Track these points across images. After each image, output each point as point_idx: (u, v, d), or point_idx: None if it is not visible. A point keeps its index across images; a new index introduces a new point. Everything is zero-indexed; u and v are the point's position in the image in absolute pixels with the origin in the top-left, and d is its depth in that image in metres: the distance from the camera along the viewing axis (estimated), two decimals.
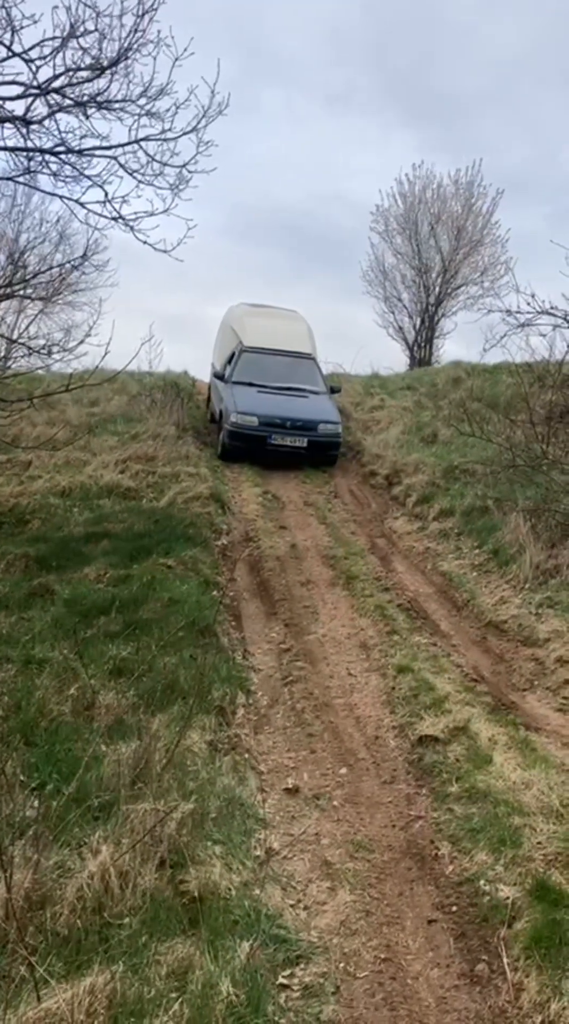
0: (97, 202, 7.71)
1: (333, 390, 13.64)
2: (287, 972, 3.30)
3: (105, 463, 11.03)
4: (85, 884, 3.42)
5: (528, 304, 8.34)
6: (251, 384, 12.59)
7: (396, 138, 39.19)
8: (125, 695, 5.17)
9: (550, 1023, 3.02)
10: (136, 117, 7.54)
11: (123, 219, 7.62)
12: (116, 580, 7.50)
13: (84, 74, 7.08)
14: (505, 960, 3.35)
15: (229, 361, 13.52)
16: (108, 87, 7.41)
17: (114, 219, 7.63)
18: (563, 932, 3.34)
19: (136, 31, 6.96)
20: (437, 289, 23.86)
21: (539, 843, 3.89)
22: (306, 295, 37.89)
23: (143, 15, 6.98)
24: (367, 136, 42.92)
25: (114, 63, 7.05)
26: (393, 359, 26.65)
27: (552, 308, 8.20)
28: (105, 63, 7.05)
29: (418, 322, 24.40)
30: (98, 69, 7.04)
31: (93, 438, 12.28)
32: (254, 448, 11.84)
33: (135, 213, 7.68)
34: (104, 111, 7.60)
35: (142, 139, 7.52)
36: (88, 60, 7.01)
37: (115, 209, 7.64)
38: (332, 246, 38.35)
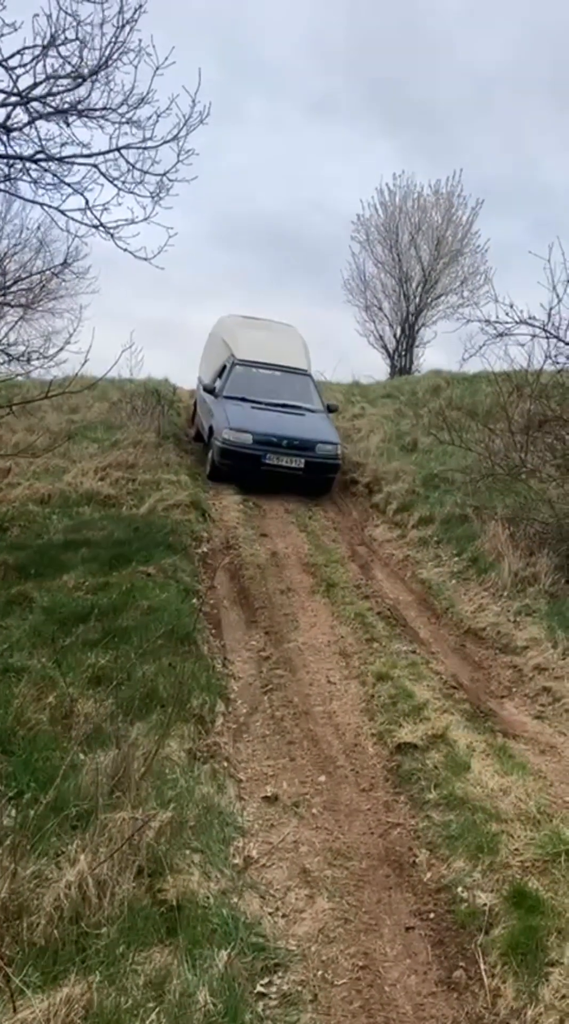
0: (78, 209, 7.70)
1: (330, 409, 12.83)
2: (265, 980, 3.30)
3: (85, 470, 10.99)
4: (62, 894, 3.39)
5: (506, 314, 8.39)
6: (244, 400, 11.84)
7: (378, 146, 39.50)
8: (104, 703, 5.15)
9: None
10: (117, 125, 7.54)
11: (104, 227, 7.62)
12: (95, 588, 7.47)
13: (65, 82, 7.07)
14: (482, 966, 3.36)
15: (220, 374, 12.80)
16: (89, 95, 7.41)
17: (94, 227, 7.63)
18: (540, 938, 3.36)
19: (116, 41, 6.96)
20: (417, 299, 24.06)
21: (516, 850, 3.91)
22: (288, 302, 37.97)
23: (123, 25, 6.99)
24: (350, 144, 43.24)
25: (95, 72, 7.06)
26: (374, 368, 26.81)
27: (530, 318, 8.26)
28: (86, 71, 7.05)
29: (398, 331, 24.58)
30: (79, 77, 7.04)
31: (73, 445, 12.25)
32: (247, 468, 11.07)
33: (116, 221, 7.69)
34: (85, 119, 7.59)
35: (123, 147, 7.52)
36: (69, 68, 7.00)
37: (95, 217, 7.65)
38: (314, 254, 38.53)
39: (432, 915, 3.74)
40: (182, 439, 13.91)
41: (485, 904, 3.64)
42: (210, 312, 39.43)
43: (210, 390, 12.46)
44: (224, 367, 12.73)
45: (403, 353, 24.43)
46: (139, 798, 4.09)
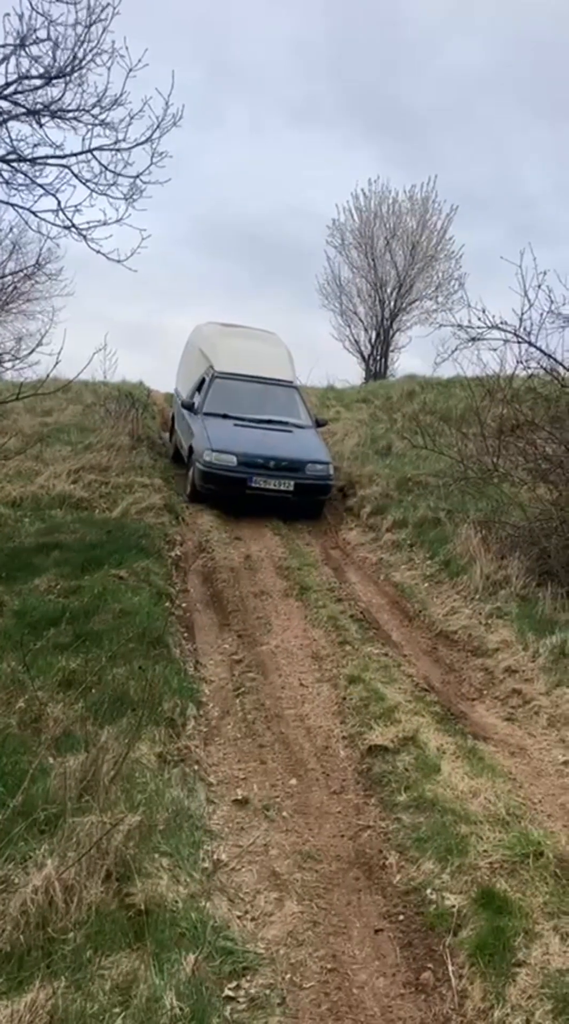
0: (50, 211, 7.68)
1: (319, 424, 11.97)
2: (233, 984, 3.29)
3: (57, 473, 10.92)
4: (29, 899, 3.36)
5: (478, 319, 8.45)
6: (226, 416, 11.01)
7: (359, 152, 39.67)
8: (74, 707, 5.11)
9: None
10: (90, 127, 7.54)
11: (76, 228, 7.60)
12: (67, 591, 7.42)
13: (37, 82, 7.04)
14: (450, 968, 3.37)
15: (198, 388, 11.94)
16: (62, 96, 7.40)
17: (67, 228, 7.61)
18: (507, 939, 3.37)
19: (84, 41, 6.94)
20: (392, 303, 24.16)
21: (485, 851, 3.93)
22: (266, 306, 38.05)
23: (91, 25, 6.97)
24: (331, 149, 43.36)
25: (63, 72, 7.03)
26: (349, 372, 26.87)
27: (502, 323, 8.32)
28: (58, 72, 7.02)
29: (373, 336, 24.66)
30: (50, 77, 7.01)
31: (45, 448, 12.17)
32: (232, 492, 10.21)
33: (88, 223, 7.66)
34: (58, 120, 7.58)
35: (95, 149, 7.52)
36: (40, 69, 6.97)
37: (68, 218, 7.62)
38: (293, 258, 38.65)
39: (401, 917, 3.75)
40: (156, 442, 13.86)
41: (454, 906, 3.65)
42: (188, 316, 39.35)
43: (189, 406, 11.63)
44: (203, 380, 11.88)
45: (378, 358, 24.53)
46: (108, 802, 4.07)
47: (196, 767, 4.90)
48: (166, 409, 17.43)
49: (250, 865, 4.07)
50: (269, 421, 11.19)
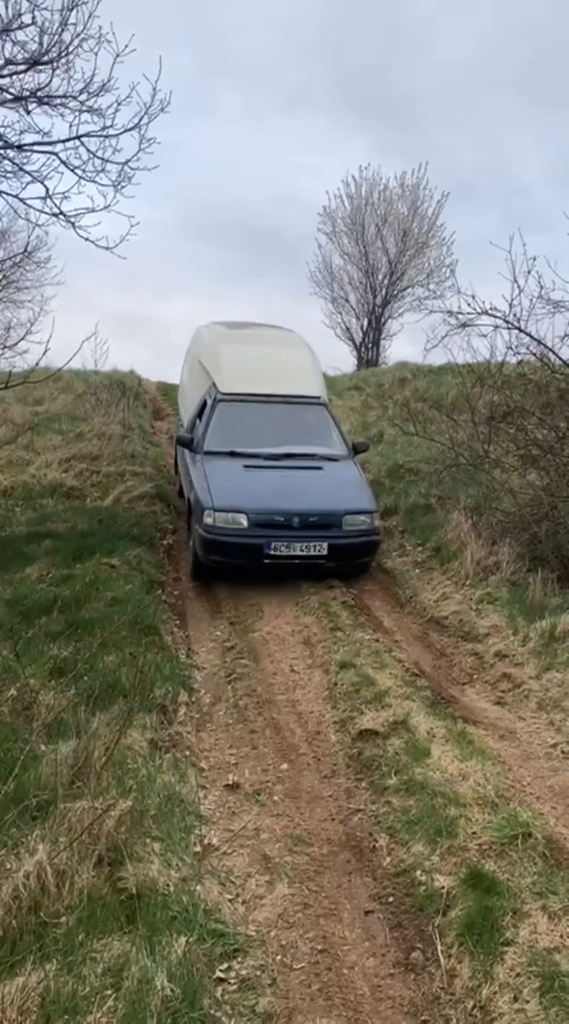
0: (37, 198, 7.64)
1: (358, 449, 9.04)
2: (224, 966, 3.32)
3: (48, 462, 10.92)
4: (21, 884, 3.39)
5: (469, 305, 8.44)
6: (233, 454, 8.34)
7: (352, 140, 39.40)
8: (65, 695, 5.13)
9: (481, 1007, 3.08)
10: (77, 113, 7.49)
11: (64, 215, 7.56)
12: (59, 580, 7.44)
13: (23, 67, 6.99)
14: (439, 947, 3.40)
15: (199, 415, 9.20)
16: (49, 82, 7.35)
17: (55, 215, 7.57)
18: (495, 919, 3.41)
19: (66, 24, 6.89)
20: (384, 291, 24.11)
21: (474, 833, 3.96)
22: (260, 294, 37.91)
23: (74, 8, 6.91)
24: (324, 137, 43.13)
25: (48, 55, 6.97)
26: (341, 360, 26.86)
27: (491, 309, 8.32)
28: (45, 57, 6.98)
29: (365, 323, 24.62)
30: (35, 62, 6.97)
31: (37, 437, 12.15)
32: (245, 562, 7.68)
33: (76, 210, 7.63)
34: (45, 106, 7.53)
35: (83, 135, 7.47)
36: (26, 55, 6.93)
37: (56, 205, 7.59)
38: (287, 246, 38.46)
39: (391, 899, 3.78)
40: (147, 431, 13.84)
41: (443, 887, 3.68)
42: (180, 305, 39.30)
43: (186, 442, 8.97)
44: (204, 404, 9.15)
45: (370, 345, 24.51)
46: (100, 788, 4.09)
47: (187, 753, 4.93)
48: (158, 398, 17.41)
49: (241, 849, 4.10)
50: (291, 456, 8.46)
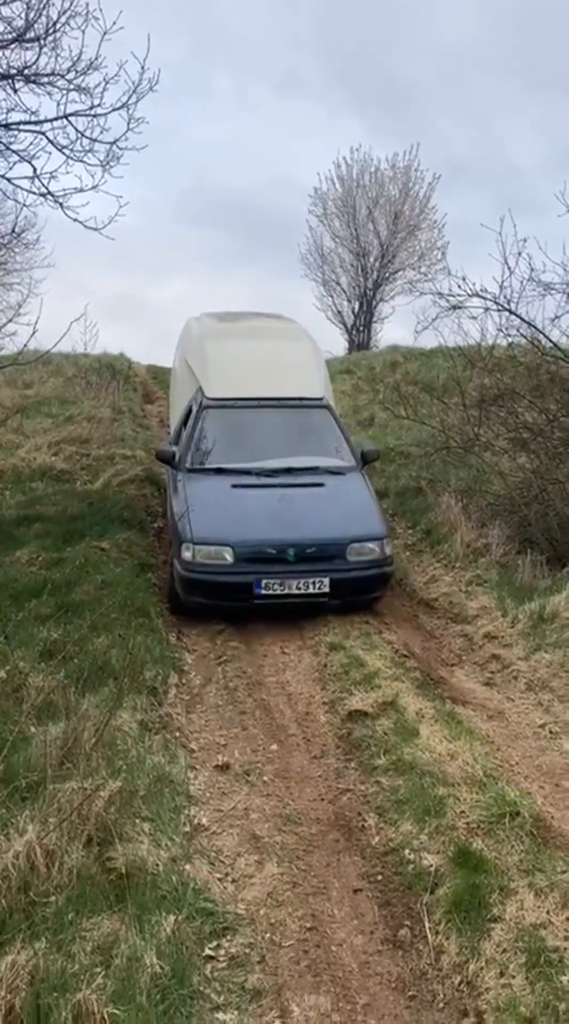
0: (25, 177, 7.59)
1: (367, 459, 7.84)
2: (213, 944, 3.34)
3: (38, 445, 10.89)
4: (10, 863, 3.40)
5: (459, 287, 8.44)
6: (220, 472, 7.29)
7: (346, 123, 39.14)
8: (55, 677, 5.13)
9: (468, 983, 3.11)
10: (65, 92, 7.43)
11: (52, 195, 7.52)
12: (48, 563, 7.43)
13: (8, 40, 6.92)
14: (427, 925, 3.43)
15: (184, 423, 8.12)
16: (36, 60, 7.28)
17: (42, 195, 7.52)
18: (483, 896, 3.43)
19: (49, 2, 6.81)
20: (375, 273, 24.05)
21: (462, 812, 3.98)
22: (253, 276, 37.76)
23: None
24: (315, 119, 42.82)
25: (27, 32, 6.89)
26: (332, 343, 26.77)
27: (482, 291, 8.31)
28: (30, 34, 6.90)
29: (356, 306, 24.56)
30: (20, 37, 6.89)
31: (26, 420, 12.11)
32: (231, 604, 6.66)
33: (64, 190, 7.58)
34: (32, 85, 7.46)
35: (71, 114, 7.41)
36: (13, 34, 6.85)
37: (44, 185, 7.53)
38: (279, 228, 38.29)
39: (379, 877, 3.80)
40: (137, 414, 13.80)
41: (431, 865, 3.70)
42: (172, 288, 39.12)
43: (167, 458, 7.70)
44: (189, 411, 8.06)
45: (361, 328, 24.45)
46: (90, 769, 4.10)
47: (178, 734, 4.94)
48: (148, 381, 17.35)
49: (231, 829, 4.12)
50: (288, 471, 7.32)
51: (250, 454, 7.46)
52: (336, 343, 24.81)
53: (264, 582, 6.46)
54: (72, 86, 7.39)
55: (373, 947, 3.41)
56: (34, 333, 6.05)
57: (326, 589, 6.52)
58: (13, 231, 9.68)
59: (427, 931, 3.40)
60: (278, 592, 6.48)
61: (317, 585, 6.51)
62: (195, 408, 7.89)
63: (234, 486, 7.09)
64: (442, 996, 3.10)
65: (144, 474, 10.08)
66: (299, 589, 6.49)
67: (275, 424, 7.81)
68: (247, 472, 7.26)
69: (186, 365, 8.82)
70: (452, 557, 7.74)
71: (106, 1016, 2.65)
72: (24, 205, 9.60)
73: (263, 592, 6.47)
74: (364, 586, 6.72)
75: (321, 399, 8.08)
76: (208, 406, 7.80)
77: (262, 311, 10.29)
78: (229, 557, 6.55)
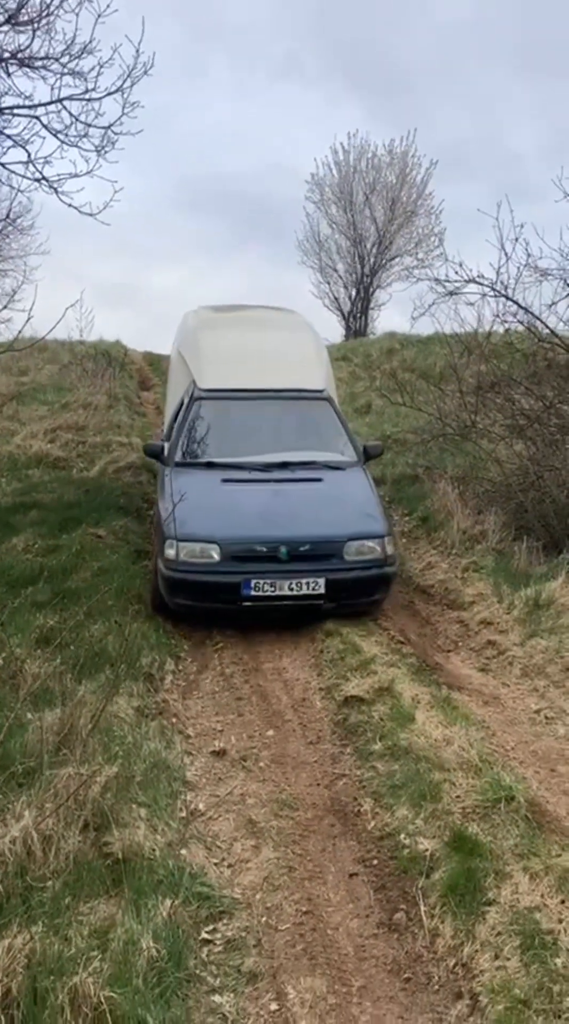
0: (19, 163, 7.54)
1: (370, 454, 7.46)
2: (210, 927, 3.35)
3: (34, 433, 10.88)
4: (7, 848, 3.41)
5: (456, 273, 8.41)
6: (210, 466, 6.92)
7: (343, 109, 38.82)
8: (51, 663, 5.14)
9: (463, 965, 3.12)
10: (59, 76, 7.37)
11: (46, 180, 7.46)
12: (45, 550, 7.44)
13: (3, 29, 6.86)
14: (422, 908, 3.44)
15: (176, 419, 7.76)
16: (30, 43, 7.22)
17: (37, 180, 7.47)
18: (478, 880, 3.44)
19: None
20: (372, 260, 23.98)
21: (458, 796, 4.00)
22: (250, 263, 37.61)
23: None
24: (313, 106, 42.52)
25: (19, 12, 6.82)
26: (329, 330, 26.71)
27: (479, 277, 8.28)
28: (24, 16, 6.85)
29: (353, 293, 24.49)
30: (13, 19, 6.83)
31: (22, 407, 12.08)
32: (217, 606, 6.26)
33: (58, 175, 7.53)
34: (26, 69, 7.41)
35: (65, 98, 7.36)
36: (5, 16, 6.79)
37: (38, 170, 7.48)
38: (276, 215, 38.09)
39: (375, 861, 3.82)
40: (133, 401, 13.77)
41: (426, 849, 3.72)
42: (169, 275, 38.98)
43: (155, 452, 7.40)
44: (181, 405, 7.76)
45: (358, 315, 24.40)
46: (86, 755, 4.11)
47: (174, 720, 4.95)
48: (144, 368, 17.31)
49: (227, 814, 4.13)
50: (284, 466, 6.94)
51: (243, 448, 7.08)
52: (333, 330, 24.78)
53: (253, 582, 6.05)
54: (66, 70, 7.34)
55: (369, 931, 3.43)
56: (29, 319, 6.04)
57: (321, 590, 6.11)
58: (7, 217, 9.62)
59: (422, 915, 3.41)
60: (269, 593, 6.07)
61: (311, 586, 6.10)
62: (186, 400, 7.58)
63: (225, 481, 6.69)
64: (437, 978, 3.12)
65: (140, 461, 10.06)
66: (291, 590, 6.08)
67: (271, 417, 7.45)
68: (239, 467, 6.86)
69: (181, 359, 8.47)
70: (448, 544, 7.74)
71: (102, 999, 2.66)
72: (19, 191, 9.55)
73: (252, 593, 6.06)
74: (362, 588, 6.31)
75: (321, 391, 7.70)
76: (199, 397, 7.45)
77: (264, 304, 9.83)
78: (216, 555, 6.15)
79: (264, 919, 3.44)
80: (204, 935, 3.31)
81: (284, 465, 6.93)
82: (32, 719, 4.42)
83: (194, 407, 7.40)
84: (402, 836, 3.87)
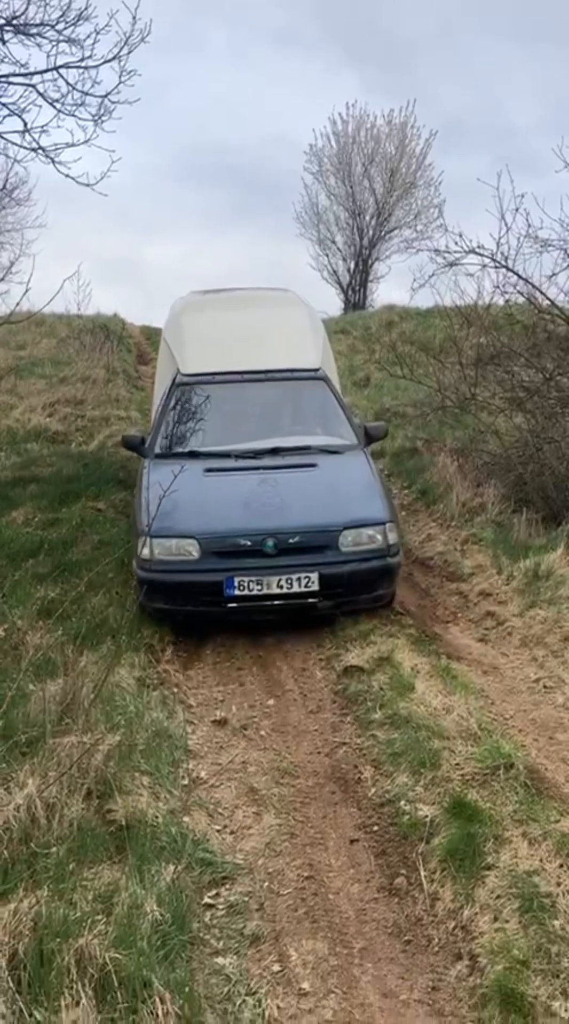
0: (15, 132, 7.47)
1: (372, 436, 6.88)
2: (213, 892, 3.40)
3: (32, 406, 10.86)
4: (11, 816, 3.44)
5: (456, 243, 8.35)
6: (193, 455, 6.33)
7: (340, 79, 38.29)
8: (53, 634, 5.17)
9: (463, 927, 3.17)
10: (54, 43, 7.28)
11: (43, 150, 7.40)
12: (45, 524, 7.45)
13: None
14: (422, 873, 3.49)
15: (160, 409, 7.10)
16: (25, 9, 7.13)
17: (33, 150, 7.40)
18: (477, 845, 3.48)
19: None
20: (371, 232, 23.77)
21: (457, 764, 4.03)
22: (248, 235, 37.29)
23: None
24: (311, 76, 41.92)
25: None
26: (328, 303, 26.54)
27: (479, 247, 8.23)
28: None
29: (352, 265, 24.31)
30: None
31: (20, 381, 12.05)
32: (199, 608, 5.66)
33: (55, 145, 7.46)
34: (21, 36, 7.31)
35: (61, 66, 7.28)
36: None
37: (35, 139, 7.41)
38: (275, 187, 37.67)
39: (376, 828, 3.86)
40: (131, 375, 13.72)
41: (426, 815, 3.76)
42: (167, 249, 38.67)
43: (134, 444, 6.88)
44: (165, 393, 7.15)
45: (357, 288, 24.23)
46: (88, 724, 4.14)
47: (175, 690, 4.98)
48: (142, 342, 17.23)
49: (229, 782, 4.17)
50: (275, 453, 6.37)
51: (230, 436, 6.57)
52: (332, 303, 24.62)
53: (237, 580, 5.46)
54: (62, 37, 7.26)
55: (369, 895, 3.47)
56: (27, 291, 6.01)
57: (315, 587, 5.53)
58: (4, 188, 9.52)
59: (422, 879, 3.45)
60: (256, 593, 5.48)
61: (303, 582, 5.51)
62: (168, 387, 7.04)
63: (207, 471, 6.08)
64: (437, 940, 3.16)
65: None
66: (281, 588, 5.50)
67: (261, 400, 6.92)
68: (225, 456, 6.31)
69: (166, 348, 7.84)
70: (447, 516, 7.76)
71: (108, 960, 2.70)
72: (15, 160, 9.45)
73: (236, 593, 5.47)
74: (362, 582, 5.70)
75: (317, 370, 7.10)
76: (182, 383, 6.92)
77: (260, 286, 9.22)
78: (194, 552, 5.58)
79: (266, 884, 3.49)
80: (207, 900, 3.36)
81: (275, 451, 6.36)
82: (34, 689, 4.45)
83: (176, 394, 6.91)
84: (402, 803, 3.91)
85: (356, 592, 5.71)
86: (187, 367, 7.02)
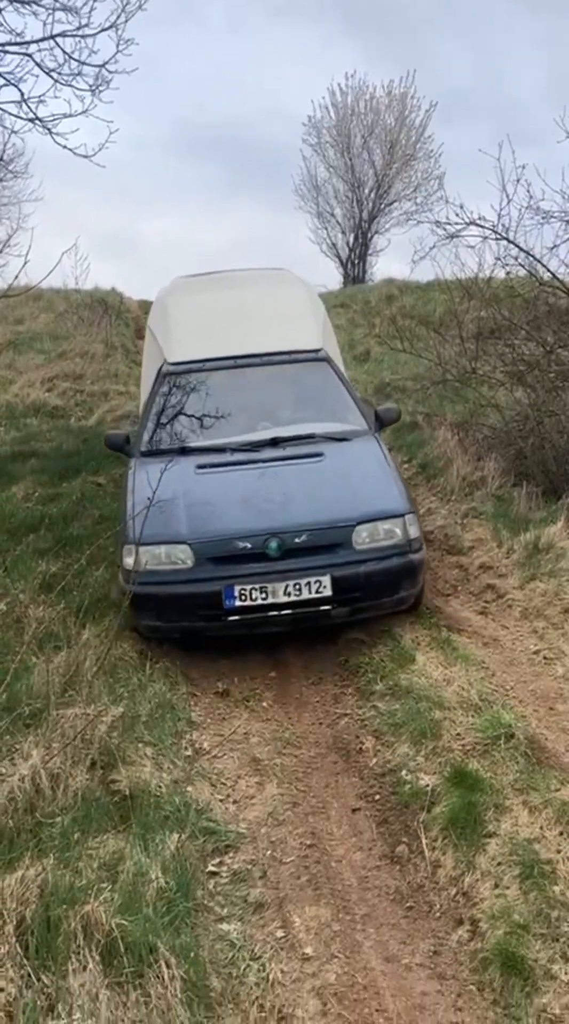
0: (11, 102, 7.38)
1: (383, 420, 6.20)
2: (216, 861, 3.44)
3: (31, 381, 10.82)
4: (16, 786, 3.48)
5: (457, 215, 8.28)
6: (183, 452, 5.77)
7: (340, 49, 37.80)
8: (55, 608, 5.18)
9: (464, 894, 3.21)
10: (50, 11, 7.18)
11: (40, 120, 7.32)
12: (45, 499, 7.46)
13: None
14: (424, 841, 3.53)
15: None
16: None
17: (30, 120, 7.32)
18: (478, 813, 3.52)
19: None
20: (370, 204, 23.58)
21: (458, 734, 4.07)
22: (247, 208, 36.96)
23: None
24: (310, 46, 41.31)
25: None
26: (327, 276, 26.36)
27: (480, 219, 8.16)
28: None
29: (351, 239, 24.15)
30: None
31: (18, 356, 12.00)
32: (196, 624, 5.00)
33: (53, 115, 7.38)
34: (16, 3, 7.22)
35: (58, 35, 7.18)
36: None
37: (31, 110, 7.33)
38: (273, 160, 37.28)
39: (377, 797, 3.90)
40: (130, 349, 13.67)
41: (427, 785, 3.79)
42: (165, 223, 38.34)
43: (118, 444, 6.21)
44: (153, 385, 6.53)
45: (356, 261, 24.09)
46: (92, 696, 4.17)
47: (178, 662, 5.00)
48: (140, 317, 17.13)
49: (231, 752, 4.21)
50: (274, 443, 5.76)
51: (224, 428, 5.99)
52: (331, 277, 24.48)
53: (238, 589, 4.81)
54: (58, 5, 7.16)
55: (371, 863, 3.51)
56: (25, 264, 5.97)
57: (327, 592, 4.86)
58: (1, 159, 9.42)
59: (424, 847, 3.49)
60: (260, 602, 4.83)
61: (314, 587, 4.85)
62: (154, 379, 6.46)
63: (200, 467, 5.51)
64: (438, 906, 3.20)
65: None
66: (288, 595, 4.83)
67: (257, 387, 6.31)
68: (220, 450, 5.73)
69: (152, 337, 7.18)
70: (448, 490, 7.76)
71: (114, 926, 2.74)
72: (12, 131, 9.32)
73: (237, 604, 4.82)
74: (382, 584, 5.03)
75: (318, 350, 6.52)
76: (169, 373, 6.35)
77: (252, 268, 8.62)
78: (187, 559, 4.94)
79: (269, 852, 3.53)
80: (211, 868, 3.40)
81: (274, 442, 5.74)
82: (37, 662, 4.48)
83: (163, 385, 6.31)
84: (403, 772, 3.94)
85: (376, 595, 5.06)
86: (174, 355, 6.44)
